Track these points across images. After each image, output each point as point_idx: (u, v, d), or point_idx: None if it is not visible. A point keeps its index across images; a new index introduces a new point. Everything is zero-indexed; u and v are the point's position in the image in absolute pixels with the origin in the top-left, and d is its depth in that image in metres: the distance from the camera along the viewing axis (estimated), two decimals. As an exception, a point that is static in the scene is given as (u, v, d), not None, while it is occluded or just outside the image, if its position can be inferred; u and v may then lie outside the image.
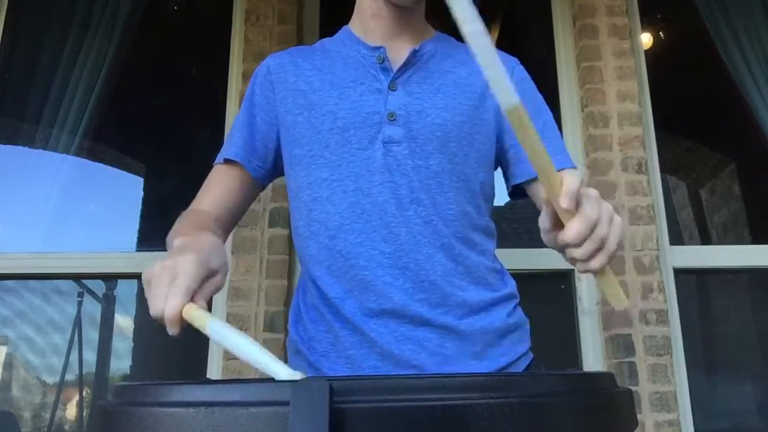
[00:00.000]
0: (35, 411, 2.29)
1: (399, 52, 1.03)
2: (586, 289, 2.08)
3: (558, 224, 0.68)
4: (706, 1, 2.43)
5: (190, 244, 0.77)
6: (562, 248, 0.69)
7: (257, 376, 0.62)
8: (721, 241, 3.03)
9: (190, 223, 0.94)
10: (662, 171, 2.21)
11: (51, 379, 2.31)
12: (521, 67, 1.10)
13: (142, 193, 2.65)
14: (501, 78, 0.54)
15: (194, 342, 2.07)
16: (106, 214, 2.58)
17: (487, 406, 0.41)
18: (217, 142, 2.20)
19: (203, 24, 2.60)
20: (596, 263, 0.67)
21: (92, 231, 2.50)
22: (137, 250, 2.40)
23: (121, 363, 2.32)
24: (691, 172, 3.14)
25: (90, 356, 2.27)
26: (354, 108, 0.98)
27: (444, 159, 0.98)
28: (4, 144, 2.52)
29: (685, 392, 1.97)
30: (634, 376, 1.89)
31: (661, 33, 2.68)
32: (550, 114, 1.08)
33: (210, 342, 2.00)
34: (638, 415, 1.59)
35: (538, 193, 1.02)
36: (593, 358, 2.03)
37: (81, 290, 2.32)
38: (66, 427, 2.32)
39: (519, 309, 1.05)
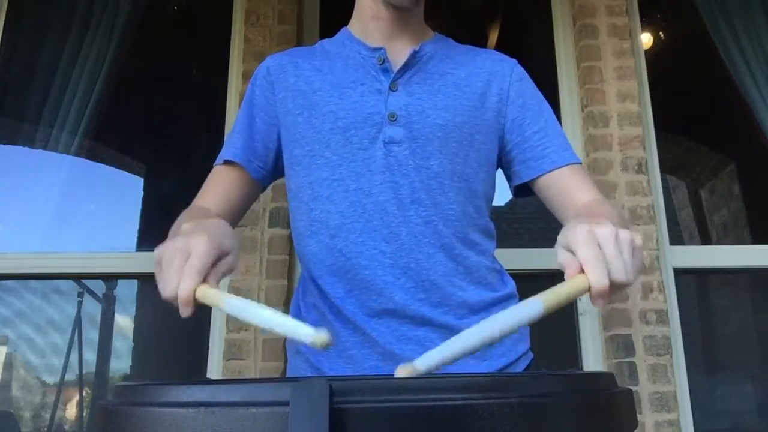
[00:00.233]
0: (35, 411, 2.29)
1: (399, 53, 1.03)
2: (586, 289, 2.07)
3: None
4: (706, 1, 2.43)
5: (201, 225, 0.77)
6: None
7: (257, 376, 0.62)
8: (721, 241, 3.03)
9: (193, 215, 0.94)
10: (662, 171, 2.21)
11: (51, 379, 2.31)
12: (520, 68, 1.10)
13: (142, 193, 2.65)
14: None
15: (194, 342, 2.07)
16: (106, 214, 2.59)
17: (488, 406, 0.41)
18: (217, 142, 2.20)
19: (203, 24, 2.60)
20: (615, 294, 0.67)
21: (92, 231, 2.50)
22: (137, 250, 2.40)
23: (121, 363, 2.32)
24: (691, 172, 3.14)
25: (90, 356, 2.27)
26: (355, 108, 0.99)
27: (444, 159, 0.98)
28: (4, 144, 2.52)
29: (685, 392, 1.97)
30: (634, 376, 1.89)
31: (661, 33, 2.68)
32: (550, 111, 1.08)
33: (210, 342, 2.00)
34: (638, 415, 1.59)
35: (545, 190, 1.02)
36: (593, 358, 2.03)
37: (81, 290, 2.32)
38: (66, 427, 2.32)
39: (519, 309, 1.04)
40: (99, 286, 2.35)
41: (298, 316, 1.04)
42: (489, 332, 0.56)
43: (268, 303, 1.97)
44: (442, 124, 0.98)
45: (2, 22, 2.39)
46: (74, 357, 2.27)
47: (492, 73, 1.06)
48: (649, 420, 1.86)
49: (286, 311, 2.13)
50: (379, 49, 1.03)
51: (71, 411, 2.36)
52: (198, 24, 2.63)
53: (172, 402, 0.45)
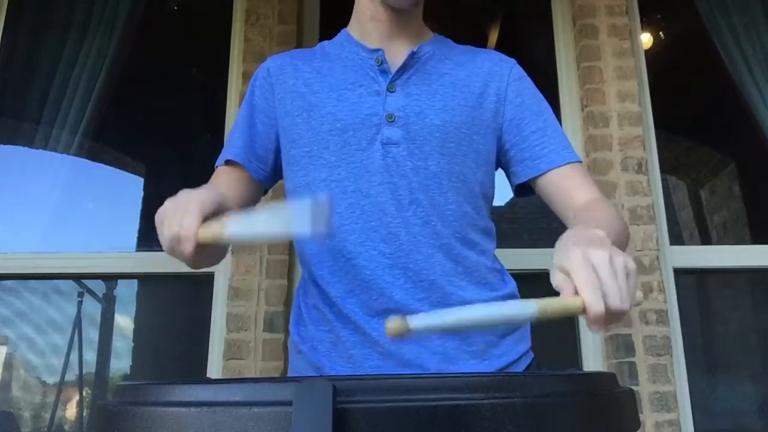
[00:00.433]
0: (35, 411, 2.29)
1: (397, 54, 1.03)
2: (586, 289, 2.07)
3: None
4: (706, 1, 2.43)
5: (197, 190, 0.80)
6: None
7: (257, 376, 0.62)
8: (721, 241, 3.03)
9: None
10: (662, 171, 2.21)
11: (51, 379, 2.30)
12: (518, 67, 1.10)
13: (142, 193, 2.65)
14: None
15: (194, 342, 2.07)
16: (106, 214, 2.58)
17: (490, 406, 0.41)
18: (217, 142, 2.20)
19: (203, 24, 2.60)
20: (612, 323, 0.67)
21: (92, 231, 2.50)
22: (137, 250, 2.39)
23: (121, 363, 2.32)
24: (691, 172, 3.14)
25: (90, 356, 2.27)
26: (353, 110, 0.99)
27: (443, 160, 0.98)
28: (4, 144, 2.52)
29: (685, 392, 1.97)
30: (634, 376, 1.89)
31: (661, 33, 2.68)
32: (549, 110, 1.08)
33: (210, 342, 2.00)
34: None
35: (545, 189, 1.02)
36: (593, 358, 2.03)
37: (81, 290, 2.32)
38: (66, 427, 2.32)
39: (519, 309, 1.04)
40: (99, 286, 2.35)
41: (299, 316, 1.04)
42: (481, 316, 0.60)
43: (268, 303, 1.97)
44: (440, 125, 0.99)
45: (2, 22, 2.39)
46: (74, 357, 2.26)
47: (490, 73, 1.06)
48: (649, 420, 1.86)
49: (287, 311, 2.13)
50: (378, 50, 1.03)
51: (71, 411, 2.36)
52: (198, 24, 2.63)
53: (175, 401, 0.45)
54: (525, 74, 1.10)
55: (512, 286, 1.05)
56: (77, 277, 2.29)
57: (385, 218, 0.95)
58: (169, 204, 0.73)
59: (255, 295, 1.97)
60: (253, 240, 0.62)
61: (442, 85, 1.03)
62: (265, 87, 1.08)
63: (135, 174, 2.80)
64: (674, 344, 1.96)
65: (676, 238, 2.46)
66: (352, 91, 1.01)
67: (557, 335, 2.10)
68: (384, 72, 1.01)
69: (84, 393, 2.31)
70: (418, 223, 0.96)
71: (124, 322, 2.35)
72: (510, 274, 1.07)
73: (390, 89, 1.00)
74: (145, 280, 2.31)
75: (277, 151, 1.08)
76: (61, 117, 2.31)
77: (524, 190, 1.07)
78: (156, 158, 2.66)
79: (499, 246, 1.08)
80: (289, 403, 0.40)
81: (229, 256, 1.96)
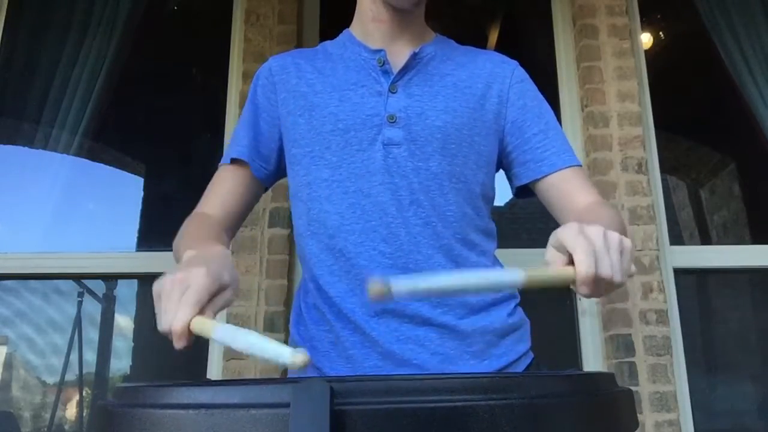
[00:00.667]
0: (35, 411, 2.29)
1: (399, 54, 1.03)
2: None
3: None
4: (706, 1, 2.43)
5: (201, 257, 0.77)
6: None
7: (257, 377, 0.62)
8: (721, 241, 3.03)
9: (197, 231, 0.95)
10: (662, 171, 2.21)
11: (51, 379, 2.31)
12: (521, 69, 1.10)
13: (142, 193, 2.65)
14: None
15: (194, 342, 2.07)
16: (106, 214, 2.58)
17: (488, 407, 0.41)
18: (217, 142, 2.20)
19: (203, 24, 2.60)
20: (605, 293, 0.68)
21: (92, 231, 2.50)
22: (137, 250, 2.40)
23: (121, 363, 2.32)
24: (691, 172, 3.14)
25: (90, 356, 2.27)
26: (354, 110, 0.99)
27: (444, 161, 0.98)
28: (4, 144, 2.52)
29: (685, 392, 1.97)
30: (634, 376, 1.89)
31: (661, 33, 2.68)
32: (551, 113, 1.08)
33: (210, 342, 2.00)
34: (638, 415, 1.59)
35: (545, 191, 1.02)
36: (593, 358, 2.03)
37: (81, 290, 2.32)
38: (66, 427, 2.32)
39: (519, 309, 1.05)
40: (99, 286, 2.35)
41: (299, 316, 1.04)
42: (466, 281, 0.59)
43: (268, 303, 1.97)
44: (442, 126, 0.99)
45: (2, 22, 2.39)
46: (74, 357, 2.27)
47: (492, 74, 1.06)
48: (649, 420, 1.86)
49: (287, 311, 2.13)
50: (380, 50, 1.03)
51: (71, 411, 2.36)
52: (198, 24, 2.63)
53: (173, 404, 0.45)
54: (527, 76, 1.10)
55: (512, 286, 1.05)
56: (77, 277, 2.29)
57: (386, 218, 0.95)
58: (167, 283, 0.69)
59: (255, 295, 1.97)
60: (238, 349, 0.63)
61: (444, 86, 1.03)
62: (267, 87, 1.09)
63: (135, 174, 2.80)
64: (674, 344, 1.96)
65: (676, 238, 2.46)
66: (354, 91, 1.01)
67: (557, 335, 2.10)
68: (386, 73, 1.02)
69: (84, 393, 2.31)
70: (418, 224, 0.96)
71: (124, 322, 2.35)
72: (510, 274, 1.07)
73: (392, 90, 1.00)
74: (145, 280, 2.31)
75: (280, 151, 1.08)
76: (61, 117, 2.32)
77: (524, 191, 1.07)
78: (156, 158, 2.66)
79: (499, 246, 1.08)
80: (287, 405, 0.40)
81: (228, 256, 1.96)
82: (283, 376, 1.75)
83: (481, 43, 2.70)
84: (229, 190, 1.05)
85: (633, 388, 1.86)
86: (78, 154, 2.37)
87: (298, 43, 2.24)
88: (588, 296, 0.66)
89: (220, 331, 0.63)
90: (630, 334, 1.93)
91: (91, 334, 2.30)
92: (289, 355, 0.54)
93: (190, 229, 0.96)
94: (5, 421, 2.18)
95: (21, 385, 2.34)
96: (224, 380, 1.49)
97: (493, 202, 1.09)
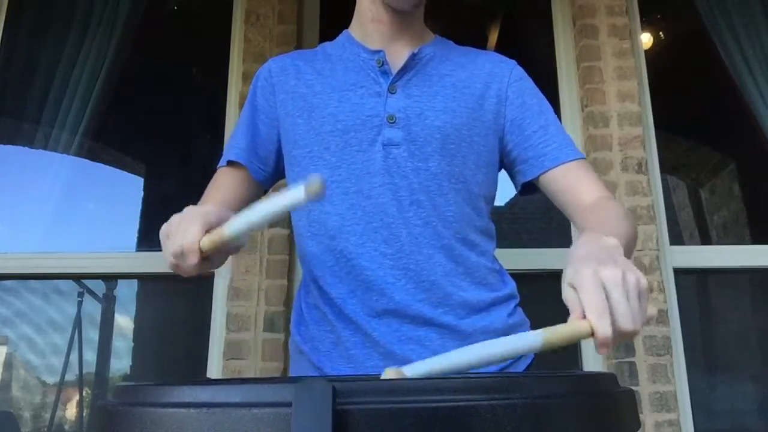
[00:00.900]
0: (35, 411, 2.29)
1: (398, 55, 1.04)
2: (586, 289, 2.07)
3: None
4: (706, 1, 2.43)
5: (203, 205, 0.82)
6: None
7: (257, 377, 0.62)
8: (721, 241, 3.03)
9: None
10: (662, 171, 2.21)
11: (51, 379, 2.31)
12: (519, 68, 1.10)
13: (142, 193, 2.65)
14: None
15: (194, 342, 2.07)
16: (106, 214, 2.58)
17: (490, 407, 0.41)
18: (217, 142, 2.20)
19: (203, 24, 2.60)
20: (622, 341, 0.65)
21: (92, 231, 2.50)
22: (137, 250, 2.39)
23: (121, 363, 2.32)
24: (691, 172, 3.14)
25: (90, 356, 2.27)
26: (354, 111, 0.99)
27: (443, 161, 0.98)
28: (4, 144, 2.52)
29: (685, 392, 1.97)
30: (634, 376, 1.89)
31: (661, 33, 2.68)
32: (551, 110, 1.08)
33: (210, 342, 2.00)
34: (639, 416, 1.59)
35: (550, 185, 1.02)
36: (593, 358, 2.03)
37: (81, 290, 2.32)
38: (66, 427, 2.32)
39: (519, 309, 1.05)
40: (99, 286, 2.35)
41: (300, 316, 1.04)
42: (486, 354, 0.57)
43: (268, 303, 1.97)
44: (441, 126, 0.99)
45: (2, 22, 2.39)
46: (74, 357, 2.27)
47: (491, 74, 1.06)
48: (649, 420, 1.86)
49: (287, 311, 2.13)
50: (379, 51, 1.03)
51: (71, 411, 2.36)
52: (198, 24, 2.63)
53: (174, 402, 0.45)
54: (525, 75, 1.10)
55: (512, 286, 1.06)
56: (77, 277, 2.29)
57: (387, 219, 0.95)
58: (174, 218, 0.74)
59: (255, 295, 1.97)
60: (253, 228, 0.63)
61: (443, 86, 1.03)
62: (266, 88, 1.09)
63: (135, 174, 2.80)
64: (674, 344, 1.96)
65: (676, 238, 2.46)
66: (353, 92, 1.01)
67: (557, 335, 2.09)
68: (385, 73, 1.02)
69: (84, 393, 2.31)
70: (419, 224, 0.96)
71: (124, 322, 2.35)
72: (510, 274, 1.07)
73: (391, 90, 1.01)
74: (145, 280, 2.31)
75: (279, 152, 1.08)
76: (61, 117, 2.31)
77: (529, 188, 1.07)
78: (156, 158, 2.66)
79: (499, 246, 1.08)
80: (289, 405, 0.39)
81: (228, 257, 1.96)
82: (284, 376, 1.75)
83: (480, 43, 2.70)
84: (228, 191, 1.05)
85: (633, 388, 1.86)
86: (78, 154, 2.37)
87: (298, 44, 2.24)
88: (605, 353, 0.63)
89: (229, 227, 0.65)
90: (632, 340, 1.93)
91: (91, 334, 2.30)
92: (304, 187, 0.54)
93: None
94: (5, 421, 2.18)
95: (21, 385, 2.33)
96: (225, 379, 1.49)
97: (493, 202, 1.09)
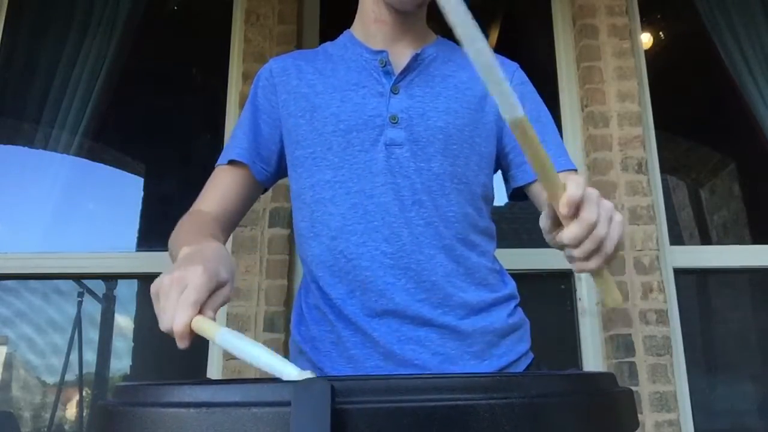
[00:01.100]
0: (35, 411, 2.29)
1: (401, 56, 1.04)
2: (586, 289, 2.08)
3: (558, 225, 0.68)
4: (706, 1, 2.43)
5: (197, 254, 0.75)
6: (561, 247, 0.70)
7: (258, 376, 0.62)
8: (721, 241, 3.03)
9: (192, 228, 0.94)
10: (662, 171, 2.21)
11: (51, 379, 2.31)
12: (521, 72, 1.10)
13: (142, 193, 2.65)
14: (504, 89, 0.54)
15: (194, 342, 2.07)
16: (106, 214, 2.58)
17: (489, 406, 0.41)
18: (217, 142, 2.20)
19: (203, 24, 2.60)
20: (593, 264, 0.67)
21: (92, 231, 2.50)
22: (137, 250, 2.40)
23: (121, 363, 2.32)
24: (691, 172, 3.14)
25: (90, 356, 2.27)
26: (356, 111, 0.99)
27: (445, 161, 0.98)
28: (4, 144, 2.52)
29: (685, 392, 1.97)
30: (634, 376, 1.89)
31: (661, 33, 2.68)
32: (550, 117, 1.09)
33: (210, 342, 1.99)
34: (638, 415, 1.59)
35: (538, 195, 1.03)
36: (593, 358, 2.03)
37: (81, 290, 2.32)
38: (66, 427, 2.32)
39: (519, 309, 1.05)
40: (99, 286, 2.35)
41: (300, 316, 1.04)
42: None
43: (268, 303, 1.97)
44: (443, 127, 0.99)
45: (2, 22, 2.39)
46: (74, 357, 2.27)
47: None
48: (649, 420, 1.86)
49: (287, 311, 2.13)
50: (382, 51, 1.03)
51: (71, 411, 2.36)
52: (198, 24, 2.63)
53: (173, 402, 0.45)
54: (527, 79, 1.10)
55: (512, 286, 1.06)
56: (77, 277, 2.29)
57: (388, 218, 0.95)
58: (165, 282, 0.69)
59: (255, 295, 1.97)
60: (236, 354, 0.62)
61: (446, 87, 1.03)
62: (267, 88, 1.09)
63: (135, 174, 2.80)
64: (674, 344, 1.96)
65: (676, 238, 2.46)
66: (355, 92, 1.01)
67: (557, 335, 2.10)
68: (388, 74, 1.02)
69: (84, 393, 2.31)
70: (420, 224, 0.96)
71: (124, 322, 2.35)
72: (510, 274, 1.08)
73: (393, 91, 1.01)
74: (145, 280, 2.30)
75: (281, 152, 1.08)
76: (61, 117, 2.32)
77: (520, 193, 1.08)
78: (156, 158, 2.66)
79: (499, 246, 1.08)
80: (288, 404, 0.40)
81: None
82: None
83: (481, 43, 2.70)
84: (228, 189, 1.05)
85: (633, 388, 1.86)
86: (78, 154, 2.37)
87: (298, 44, 2.24)
88: (572, 241, 0.65)
89: (222, 337, 0.63)
90: (630, 334, 1.93)
91: (91, 334, 2.30)
92: (295, 377, 0.52)
93: (185, 226, 0.96)
94: (5, 421, 2.18)
95: (21, 385, 2.33)
96: (225, 379, 1.49)
97: (492, 203, 1.09)
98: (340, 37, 1.12)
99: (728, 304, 2.36)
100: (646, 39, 2.44)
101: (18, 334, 2.27)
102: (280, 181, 1.13)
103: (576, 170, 1.05)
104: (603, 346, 2.02)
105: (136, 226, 2.51)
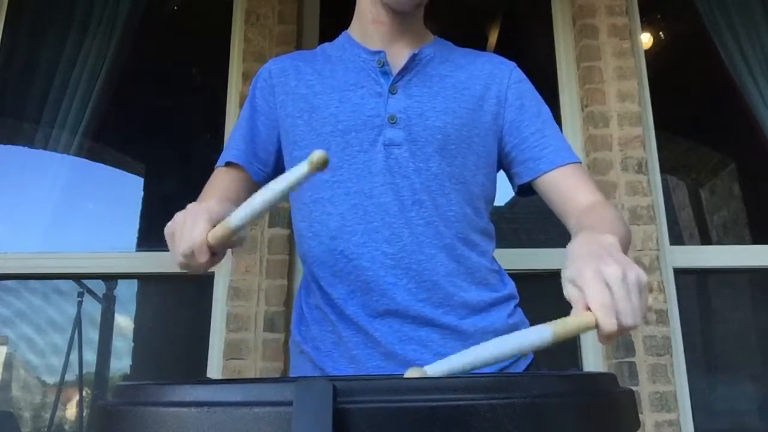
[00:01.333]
0: (35, 411, 2.29)
1: (398, 56, 1.04)
2: (586, 289, 2.07)
3: None
4: (706, 1, 2.43)
5: (203, 203, 0.81)
6: None
7: (258, 376, 0.62)
8: (721, 241, 3.03)
9: None
10: (662, 171, 2.21)
11: (51, 379, 2.31)
12: (519, 70, 1.10)
13: (142, 193, 2.65)
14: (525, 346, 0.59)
15: (194, 342, 2.07)
16: (106, 214, 2.58)
17: (490, 406, 0.41)
18: (217, 141, 2.20)
19: (203, 24, 2.60)
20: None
21: (92, 231, 2.50)
22: (137, 250, 2.39)
23: (121, 363, 2.32)
24: (691, 172, 3.14)
25: (90, 356, 2.27)
26: (355, 111, 0.99)
27: (443, 161, 0.98)
28: (4, 144, 2.52)
29: (685, 392, 1.97)
30: (634, 376, 1.89)
31: (661, 33, 2.68)
32: (549, 113, 1.09)
33: (210, 342, 2.00)
34: (639, 416, 1.59)
35: (546, 188, 1.02)
36: (593, 358, 2.03)
37: (81, 290, 2.32)
38: (66, 427, 2.32)
39: (519, 310, 1.05)
40: (99, 286, 2.35)
41: (301, 316, 1.04)
42: (500, 350, 0.58)
43: (268, 303, 1.97)
44: (441, 127, 0.99)
45: (2, 22, 2.39)
46: (74, 357, 2.27)
47: (491, 76, 1.07)
48: (649, 420, 1.86)
49: (287, 311, 2.13)
50: (379, 52, 1.03)
51: (71, 411, 2.36)
52: (198, 24, 2.63)
53: (174, 402, 0.45)
54: (525, 77, 1.10)
55: (511, 286, 1.06)
56: (77, 277, 2.29)
57: (388, 218, 0.95)
58: (179, 216, 0.74)
59: (255, 295, 1.97)
60: (259, 213, 0.63)
61: (443, 87, 1.03)
62: (266, 89, 1.09)
63: (135, 174, 2.80)
64: (674, 344, 1.96)
65: (676, 238, 2.46)
66: (353, 92, 1.01)
67: (557, 335, 2.09)
68: (386, 74, 1.02)
69: (84, 393, 2.31)
70: (420, 224, 0.96)
71: (124, 322, 2.35)
72: (509, 274, 1.08)
73: (392, 91, 1.01)
74: (145, 280, 2.31)
75: (278, 153, 1.08)
76: (61, 117, 2.31)
77: (526, 191, 1.07)
78: (156, 158, 2.66)
79: (498, 246, 1.08)
80: (289, 404, 0.39)
81: (229, 256, 1.96)
82: (284, 376, 1.75)
83: (480, 43, 2.71)
84: (226, 191, 1.05)
85: (633, 388, 1.86)
86: (78, 154, 2.37)
87: (298, 44, 2.24)
88: (608, 344, 0.66)
89: (235, 215, 0.65)
90: (630, 334, 1.93)
91: (91, 334, 2.30)
92: (307, 162, 0.55)
93: None
94: (5, 421, 2.18)
95: (21, 385, 2.33)
96: (226, 379, 1.49)
97: (492, 203, 1.09)
98: (338, 38, 1.12)
99: (728, 304, 2.36)
100: (646, 39, 2.44)
101: (18, 334, 2.27)
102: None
103: (580, 162, 1.04)
104: (603, 346, 2.02)
105: (136, 226, 2.51)
